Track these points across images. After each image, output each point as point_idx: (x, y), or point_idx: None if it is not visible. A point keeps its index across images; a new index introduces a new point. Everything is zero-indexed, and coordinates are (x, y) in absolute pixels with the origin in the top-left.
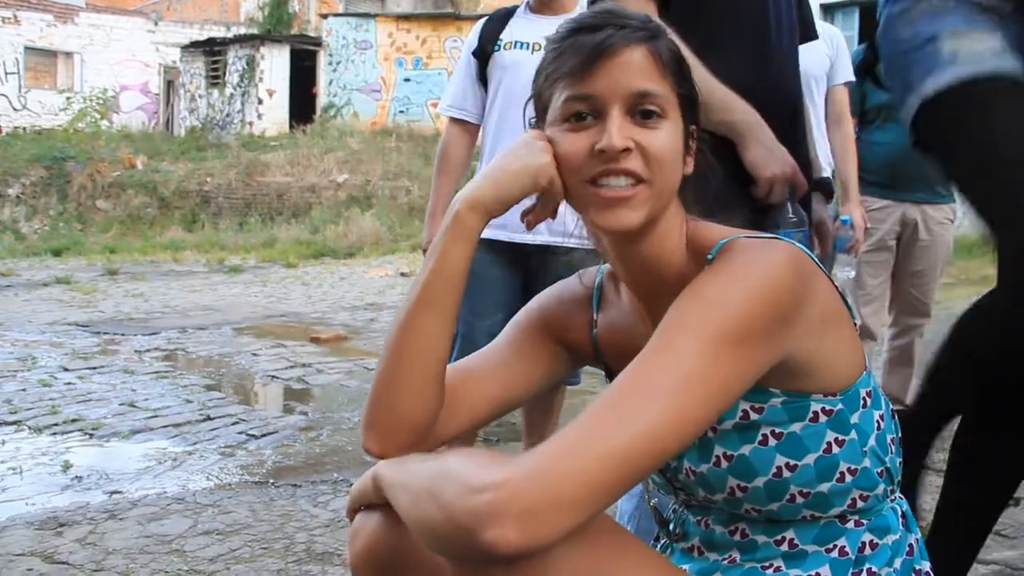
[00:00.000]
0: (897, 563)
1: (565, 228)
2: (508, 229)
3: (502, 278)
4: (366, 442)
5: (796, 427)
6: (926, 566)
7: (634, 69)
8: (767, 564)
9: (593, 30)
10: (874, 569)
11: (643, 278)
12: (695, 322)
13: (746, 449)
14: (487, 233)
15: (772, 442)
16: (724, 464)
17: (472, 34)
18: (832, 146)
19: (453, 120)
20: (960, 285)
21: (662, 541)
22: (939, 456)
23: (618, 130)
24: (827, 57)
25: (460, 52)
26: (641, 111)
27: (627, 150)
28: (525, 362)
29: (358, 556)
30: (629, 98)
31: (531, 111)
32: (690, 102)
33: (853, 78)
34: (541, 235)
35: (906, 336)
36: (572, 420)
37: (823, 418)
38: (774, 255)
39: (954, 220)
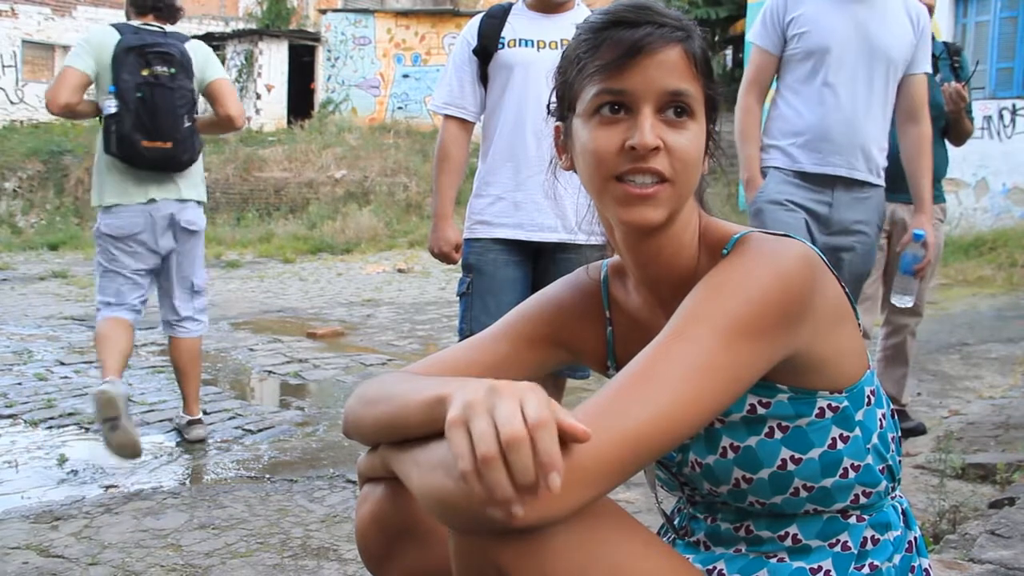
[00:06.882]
0: (896, 559)
1: (579, 225)
2: (524, 229)
3: (514, 279)
4: None
5: (802, 422)
6: (924, 563)
7: (669, 68)
8: (771, 555)
9: (632, 26)
10: (875, 563)
11: (656, 272)
12: (711, 312)
13: (752, 441)
14: (503, 233)
15: (778, 435)
16: (730, 455)
17: (468, 31)
18: (903, 145)
19: (450, 118)
20: (957, 286)
21: (668, 537)
22: (935, 456)
23: (650, 128)
24: (910, 43)
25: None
26: (672, 109)
27: (656, 148)
28: (520, 364)
29: (363, 521)
30: (662, 96)
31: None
32: (714, 103)
33: (931, 70)
34: (557, 232)
35: (899, 335)
36: (586, 401)
37: (829, 414)
38: (789, 250)
39: (943, 220)
